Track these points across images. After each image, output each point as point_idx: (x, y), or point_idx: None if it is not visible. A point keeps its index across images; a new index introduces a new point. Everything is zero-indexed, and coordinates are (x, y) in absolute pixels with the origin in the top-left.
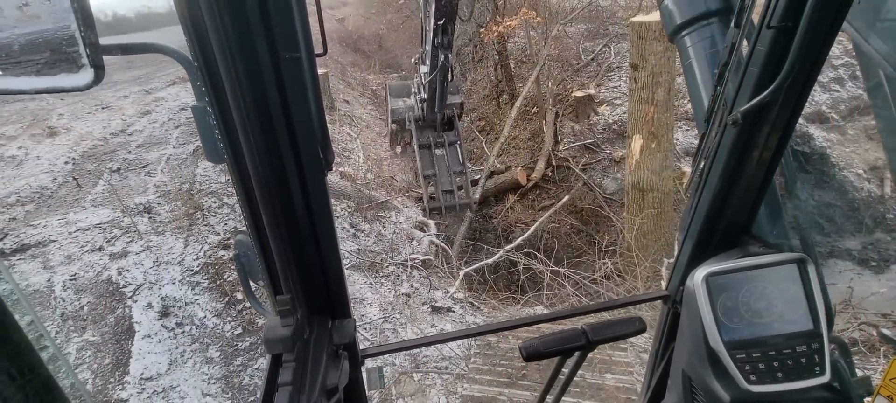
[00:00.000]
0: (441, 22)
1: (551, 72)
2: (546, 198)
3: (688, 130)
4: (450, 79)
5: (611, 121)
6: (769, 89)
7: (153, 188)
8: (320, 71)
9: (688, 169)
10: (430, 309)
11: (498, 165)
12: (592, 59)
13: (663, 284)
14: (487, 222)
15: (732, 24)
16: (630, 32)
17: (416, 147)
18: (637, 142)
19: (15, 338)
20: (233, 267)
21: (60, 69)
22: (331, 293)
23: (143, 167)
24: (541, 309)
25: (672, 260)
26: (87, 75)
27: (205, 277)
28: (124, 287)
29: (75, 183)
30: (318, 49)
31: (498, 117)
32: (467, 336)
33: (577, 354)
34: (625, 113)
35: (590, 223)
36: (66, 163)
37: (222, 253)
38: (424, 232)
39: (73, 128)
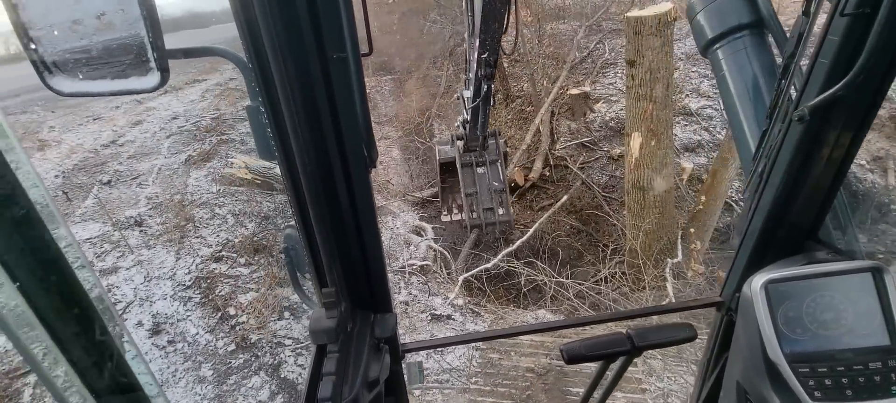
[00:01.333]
0: (484, 55)
1: (545, 71)
2: (545, 198)
3: (686, 125)
4: (491, 104)
5: (607, 118)
6: (842, 82)
7: (144, 200)
8: None
9: (687, 165)
10: (429, 317)
11: None
12: (587, 56)
13: (668, 287)
14: None
15: (800, 12)
16: (626, 28)
17: (458, 166)
18: (636, 140)
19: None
20: (224, 280)
21: (132, 73)
22: (373, 287)
23: (134, 178)
24: (543, 313)
25: (674, 260)
26: (154, 78)
27: (197, 292)
28: (114, 304)
29: (65, 197)
30: (363, 48)
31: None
32: (507, 336)
33: (621, 359)
34: (621, 110)
35: (590, 223)
36: (57, 176)
37: (214, 266)
38: (422, 236)
39: (64, 140)
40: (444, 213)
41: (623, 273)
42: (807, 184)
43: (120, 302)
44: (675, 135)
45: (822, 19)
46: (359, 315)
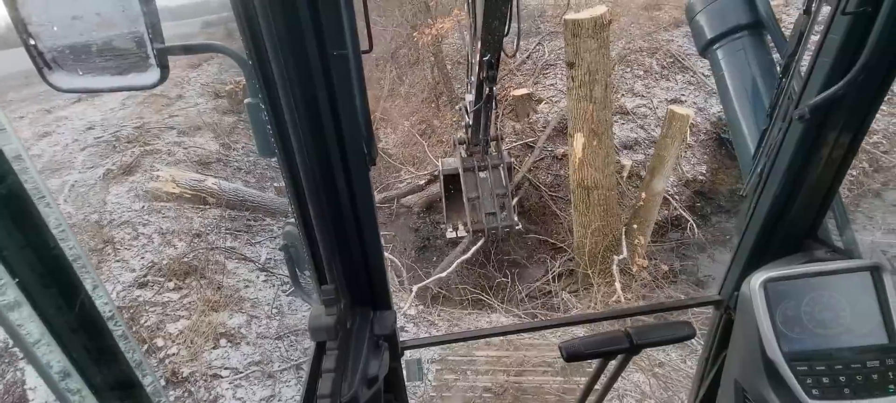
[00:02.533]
0: (486, 58)
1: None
2: None
3: (624, 124)
4: (494, 108)
5: (550, 118)
6: (842, 81)
7: (53, 221)
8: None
9: (627, 162)
10: None
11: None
12: (528, 57)
13: (616, 284)
14: (436, 228)
15: (801, 11)
16: (564, 30)
17: (461, 170)
18: (579, 141)
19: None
20: (151, 308)
21: (131, 69)
22: (373, 285)
23: (41, 198)
24: (497, 317)
25: (620, 257)
26: (154, 74)
27: (117, 324)
28: (14, 346)
29: None
30: (364, 45)
31: (438, 119)
32: (504, 334)
33: (619, 357)
34: (563, 110)
35: (538, 222)
36: None
37: (139, 292)
38: None
39: None
40: (450, 230)
41: (571, 271)
42: (806, 183)
43: (26, 338)
44: (614, 133)
45: (823, 18)
46: (358, 312)
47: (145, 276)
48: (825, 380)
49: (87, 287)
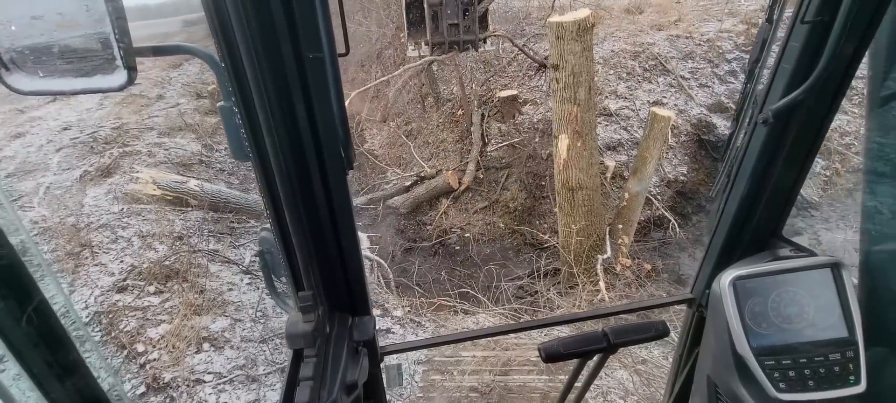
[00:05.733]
0: None
1: (474, 74)
2: (479, 200)
3: (607, 125)
4: None
5: (536, 120)
6: (802, 87)
7: (28, 224)
8: None
9: (610, 163)
10: None
11: (428, 170)
12: (513, 59)
13: (601, 283)
14: (422, 229)
15: (764, 19)
16: (549, 33)
17: None
18: (563, 142)
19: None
20: (130, 312)
21: (97, 71)
22: (351, 290)
23: (15, 201)
24: (484, 317)
25: (604, 256)
26: (121, 76)
27: (96, 329)
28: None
29: None
30: (340, 49)
31: (424, 121)
32: (485, 336)
33: (597, 356)
34: (548, 111)
35: (524, 222)
36: None
37: (118, 297)
38: None
39: None
40: (411, 49)
41: (556, 270)
42: (771, 184)
43: None
44: (598, 134)
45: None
46: (337, 318)
47: (125, 280)
48: (791, 374)
49: (48, 296)
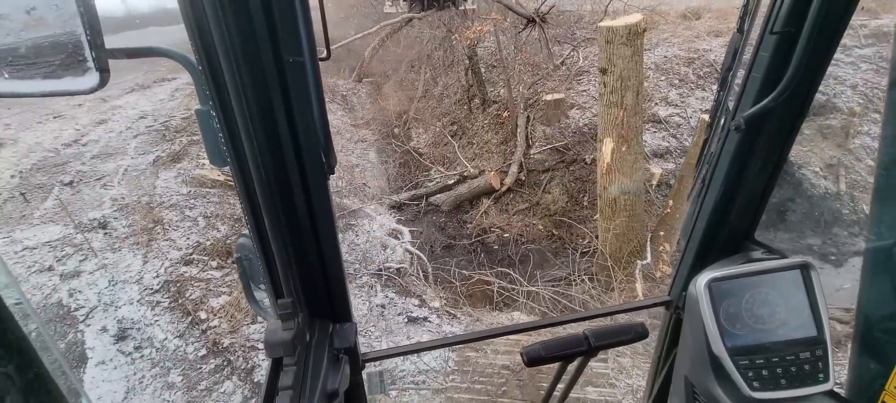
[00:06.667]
0: None
1: (521, 77)
2: (520, 201)
3: (655, 132)
4: None
5: (581, 124)
6: (772, 95)
7: (109, 201)
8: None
9: (656, 170)
10: (405, 320)
11: (471, 170)
12: (562, 63)
13: (638, 287)
14: (462, 227)
15: (735, 30)
16: (598, 37)
17: None
18: (608, 146)
19: (14, 338)
20: (195, 283)
21: (67, 73)
22: (332, 297)
23: (98, 179)
24: (518, 314)
25: (643, 262)
26: (92, 78)
27: (165, 296)
28: (76, 310)
29: (22, 198)
30: (321, 53)
31: (469, 121)
32: (469, 341)
33: (578, 359)
34: (594, 116)
35: (563, 226)
36: (13, 176)
37: (184, 269)
38: (398, 239)
39: (21, 138)
40: (389, 4)
41: (593, 275)
42: (744, 189)
43: (83, 306)
44: (645, 141)
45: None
46: (317, 325)
47: (191, 255)
48: (764, 373)
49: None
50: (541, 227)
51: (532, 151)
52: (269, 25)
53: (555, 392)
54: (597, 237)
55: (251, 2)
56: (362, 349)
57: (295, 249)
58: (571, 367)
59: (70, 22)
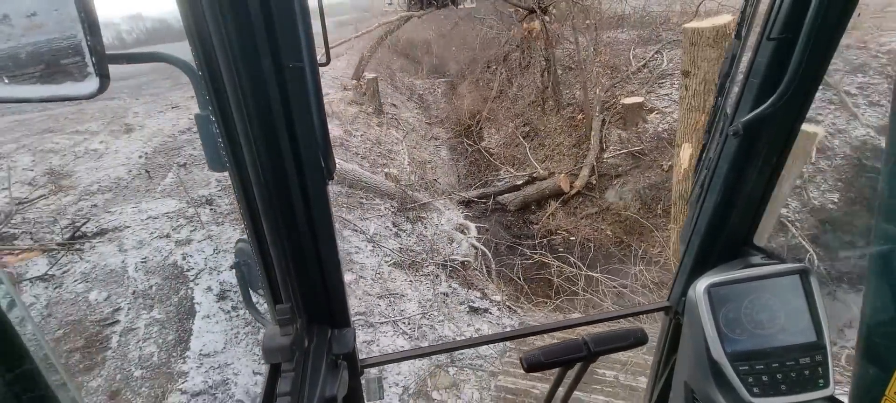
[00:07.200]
0: None
1: (599, 79)
2: (589, 206)
3: None
4: None
5: (660, 129)
6: (769, 101)
7: (215, 182)
8: (369, 76)
9: None
10: (467, 310)
11: (541, 171)
12: (644, 66)
13: None
14: (528, 227)
15: (733, 36)
16: (683, 39)
17: None
18: (686, 151)
19: (9, 342)
20: None
21: (66, 78)
22: (331, 302)
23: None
24: (576, 315)
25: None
26: (92, 84)
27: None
28: (187, 270)
29: (147, 175)
30: (320, 59)
31: (542, 123)
32: (466, 347)
33: (578, 365)
34: (675, 121)
35: (633, 233)
36: (140, 157)
37: None
38: (465, 234)
39: (147, 125)
40: (388, 2)
41: (662, 284)
42: (742, 194)
43: (192, 268)
44: None
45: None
46: (316, 330)
47: None
48: (764, 378)
49: None
50: (609, 232)
51: (605, 155)
52: (269, 31)
53: (555, 398)
54: (668, 246)
55: (251, 8)
56: (361, 355)
57: (293, 254)
58: (571, 373)
59: (70, 27)
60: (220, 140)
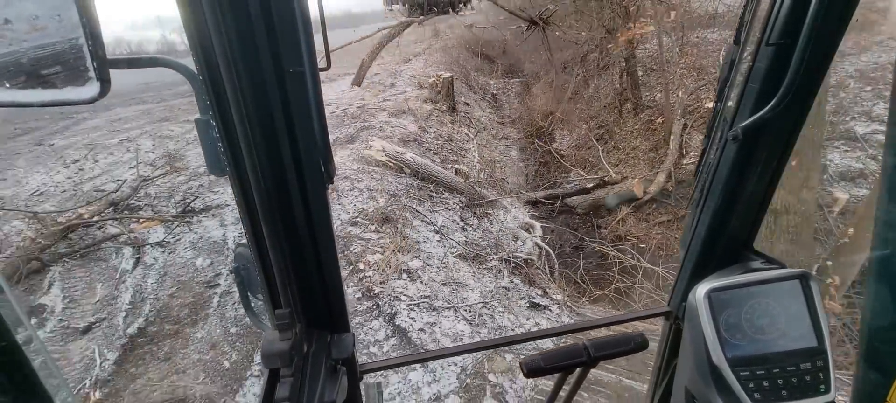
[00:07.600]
0: None
1: (683, 81)
2: (663, 213)
3: (848, 151)
4: None
5: None
6: (769, 105)
7: None
8: (445, 74)
9: (841, 195)
10: (527, 305)
11: (613, 174)
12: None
13: None
14: (595, 231)
15: (732, 41)
16: None
17: None
18: None
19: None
20: (358, 240)
21: (67, 82)
22: (330, 307)
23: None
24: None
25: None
26: (93, 88)
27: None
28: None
29: None
30: (322, 63)
31: (618, 126)
32: (467, 352)
33: (578, 370)
34: None
35: None
36: None
37: (351, 228)
38: (530, 233)
39: None
40: (389, 9)
41: None
42: (742, 199)
43: None
44: (833, 160)
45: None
46: (315, 336)
47: (356, 218)
48: (765, 384)
49: None
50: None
51: (684, 161)
52: (270, 36)
53: None
54: None
55: (252, 12)
56: (361, 359)
57: (293, 259)
58: (571, 378)
59: (72, 32)
60: (220, 144)
